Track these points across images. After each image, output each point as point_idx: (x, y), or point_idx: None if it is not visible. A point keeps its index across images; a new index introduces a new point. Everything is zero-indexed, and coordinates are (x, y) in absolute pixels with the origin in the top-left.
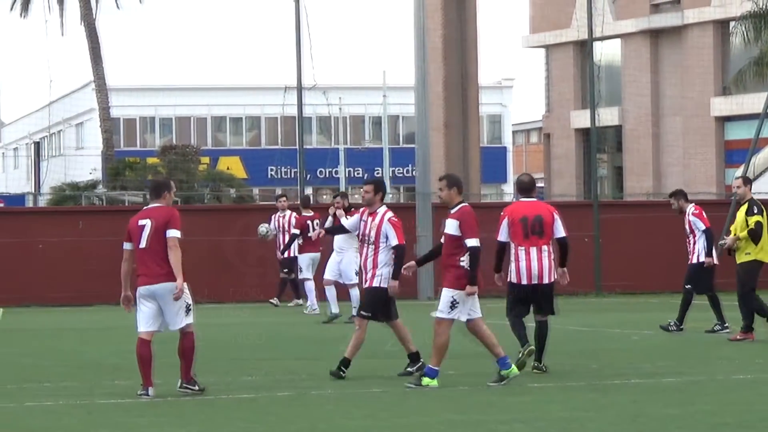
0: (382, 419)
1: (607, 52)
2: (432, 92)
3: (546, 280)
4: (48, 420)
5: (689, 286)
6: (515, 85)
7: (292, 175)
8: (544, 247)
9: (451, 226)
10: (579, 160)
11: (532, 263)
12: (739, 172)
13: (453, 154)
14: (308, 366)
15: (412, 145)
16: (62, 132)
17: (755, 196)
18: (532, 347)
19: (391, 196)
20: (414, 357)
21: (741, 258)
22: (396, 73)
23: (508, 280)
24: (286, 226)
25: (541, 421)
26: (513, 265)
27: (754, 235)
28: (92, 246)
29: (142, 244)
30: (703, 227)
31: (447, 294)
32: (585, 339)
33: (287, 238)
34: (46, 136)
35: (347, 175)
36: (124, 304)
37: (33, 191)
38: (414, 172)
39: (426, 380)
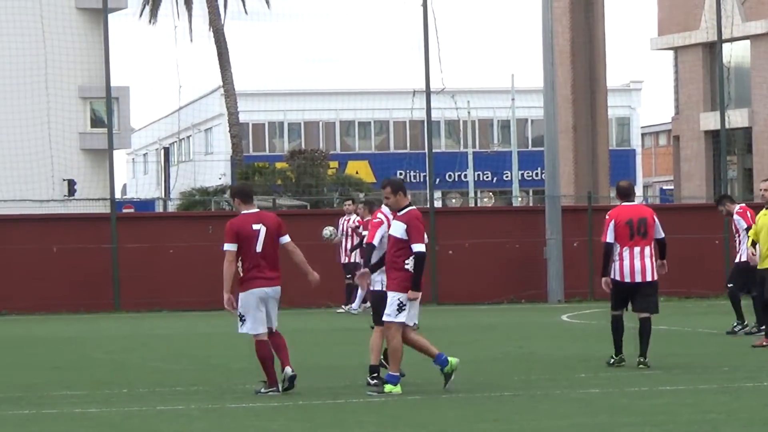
0: (513, 422)
1: (736, 54)
2: (560, 95)
3: (648, 279)
4: (179, 424)
5: (731, 285)
6: (643, 87)
7: (421, 179)
8: (647, 248)
9: (398, 229)
10: (708, 162)
11: (635, 262)
12: None
13: (581, 157)
14: (436, 369)
15: (541, 148)
16: (191, 137)
17: None
18: (624, 361)
19: (519, 199)
20: (373, 369)
21: (766, 264)
22: (524, 76)
23: (612, 277)
24: (350, 230)
25: (671, 423)
26: (617, 265)
27: None
28: (222, 251)
29: (258, 249)
30: (746, 226)
31: (393, 297)
32: (715, 341)
33: (351, 242)
34: (175, 141)
35: (476, 179)
36: (228, 306)
37: (162, 196)
38: (542, 175)
39: (388, 387)
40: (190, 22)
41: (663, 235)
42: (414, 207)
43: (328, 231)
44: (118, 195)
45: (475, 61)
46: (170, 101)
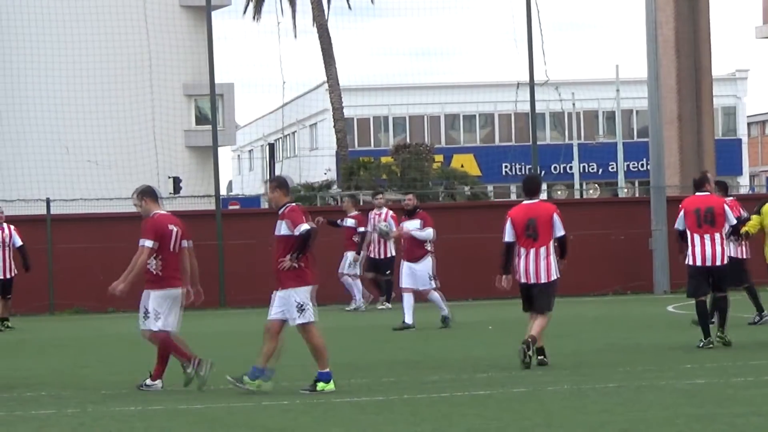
0: (618, 413)
1: None
2: (665, 85)
3: (719, 262)
4: (284, 419)
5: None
6: (749, 76)
7: (526, 171)
8: (716, 235)
9: (283, 227)
10: None
11: (705, 248)
12: None
13: (687, 147)
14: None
15: (646, 139)
16: (296, 133)
17: None
18: (712, 343)
19: (625, 190)
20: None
21: None
22: (629, 66)
23: (687, 263)
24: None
25: None
26: (689, 251)
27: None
28: (327, 246)
29: (172, 249)
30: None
31: (291, 297)
32: None
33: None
34: (280, 137)
35: (581, 171)
36: (120, 294)
37: None
38: (648, 166)
39: (321, 385)
40: (294, 18)
41: (734, 222)
42: (293, 203)
43: (384, 226)
44: (223, 192)
45: (579, 53)
46: (275, 97)
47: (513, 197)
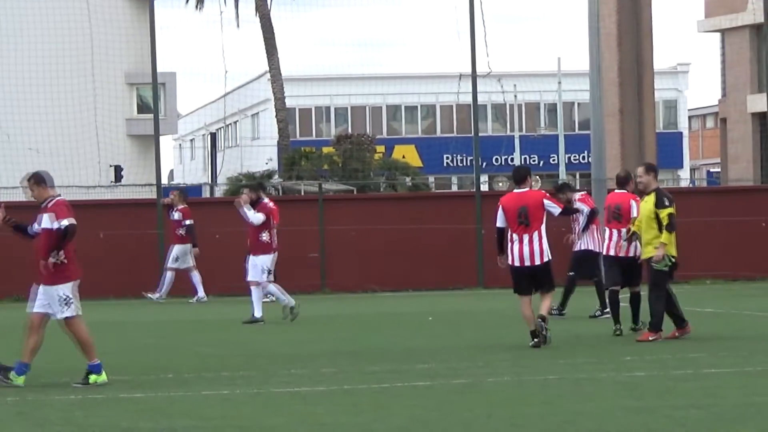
0: (559, 405)
1: None
2: (607, 78)
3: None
4: (225, 408)
5: (572, 273)
6: (691, 69)
7: (468, 163)
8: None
9: (45, 219)
10: (756, 145)
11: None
12: None
13: (628, 140)
14: (484, 353)
15: (587, 132)
16: (238, 122)
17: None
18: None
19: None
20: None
21: (650, 252)
22: (571, 59)
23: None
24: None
25: (717, 406)
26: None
27: (671, 228)
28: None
29: None
30: (587, 209)
31: (55, 292)
32: (763, 324)
33: None
34: (222, 126)
35: (522, 162)
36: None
37: (209, 182)
38: (589, 159)
39: (93, 377)
40: (236, 7)
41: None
42: (59, 197)
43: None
44: (164, 180)
45: (521, 45)
46: (217, 87)
47: (454, 188)
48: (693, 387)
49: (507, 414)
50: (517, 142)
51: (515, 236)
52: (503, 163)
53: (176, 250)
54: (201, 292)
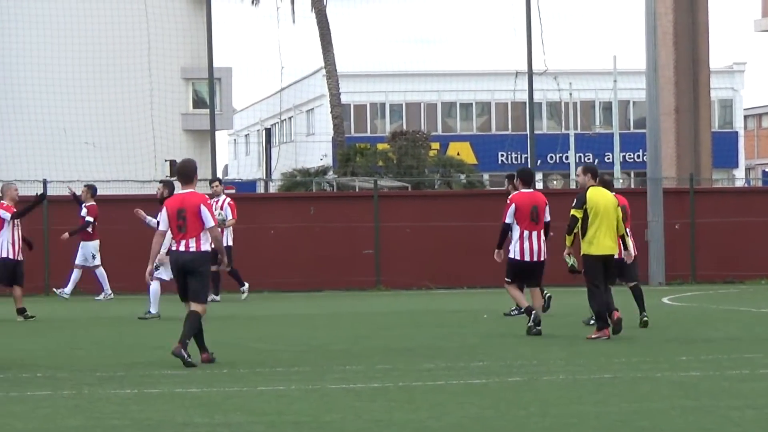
0: (614, 404)
1: None
2: (662, 77)
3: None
4: (280, 404)
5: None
6: (747, 68)
7: (522, 161)
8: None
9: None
10: None
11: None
12: None
13: (684, 139)
14: (539, 351)
15: (643, 130)
16: (293, 118)
17: None
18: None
19: (621, 181)
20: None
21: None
22: (627, 57)
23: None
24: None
25: None
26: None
27: (568, 230)
28: (323, 232)
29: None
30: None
31: None
32: None
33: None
34: (277, 122)
35: (577, 160)
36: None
37: (264, 177)
38: (644, 158)
39: None
40: (292, 3)
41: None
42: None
43: (219, 213)
44: (219, 175)
45: (577, 43)
46: (272, 82)
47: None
48: (749, 387)
49: (561, 412)
50: (572, 140)
51: (525, 233)
52: (558, 161)
53: (90, 246)
54: (108, 289)
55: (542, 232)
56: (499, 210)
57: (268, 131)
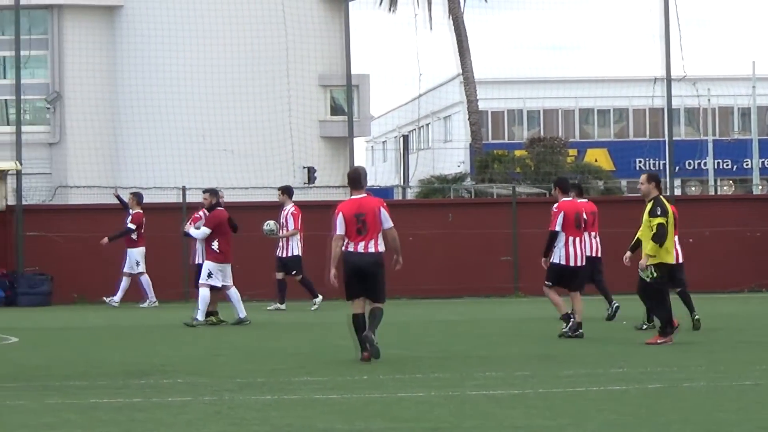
0: (755, 412)
1: None
2: None
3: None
4: (420, 410)
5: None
6: None
7: (660, 167)
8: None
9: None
10: None
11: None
12: None
13: None
14: (679, 358)
15: None
16: (430, 125)
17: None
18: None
19: (760, 187)
20: None
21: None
22: (765, 63)
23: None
24: (284, 221)
25: None
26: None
27: (657, 238)
28: (461, 238)
29: None
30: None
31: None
32: None
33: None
34: (414, 129)
35: (715, 167)
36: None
37: (401, 184)
38: None
39: None
40: (429, 10)
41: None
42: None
43: (266, 224)
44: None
45: (715, 48)
46: (409, 89)
47: None
48: None
49: (702, 420)
50: (710, 146)
51: (570, 239)
52: (696, 167)
53: (136, 254)
54: (152, 296)
55: (584, 238)
56: (635, 216)
57: (406, 138)
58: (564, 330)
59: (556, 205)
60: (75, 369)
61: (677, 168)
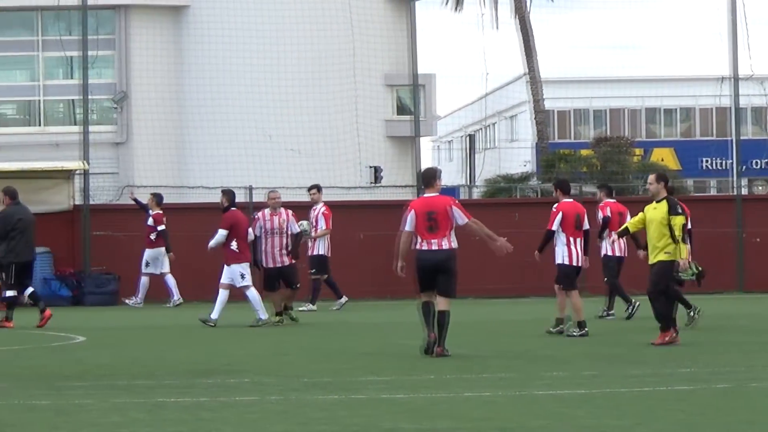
0: None
1: None
2: None
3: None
4: (486, 410)
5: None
6: None
7: (726, 167)
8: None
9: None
10: None
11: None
12: None
13: None
14: (746, 358)
15: None
16: (496, 124)
17: None
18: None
19: None
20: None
21: (661, 257)
22: None
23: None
24: (314, 221)
25: None
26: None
27: (686, 238)
28: (528, 238)
29: None
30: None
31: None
32: None
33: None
34: (480, 128)
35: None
36: None
37: (467, 183)
38: None
39: None
40: (495, 9)
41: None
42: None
43: (300, 224)
44: None
45: None
46: (475, 88)
47: (713, 191)
48: None
49: None
50: None
51: (571, 239)
52: (762, 166)
53: (146, 254)
54: (176, 295)
55: (582, 239)
56: (701, 216)
57: (472, 137)
58: (549, 329)
59: (555, 205)
60: (142, 368)
61: (743, 167)
